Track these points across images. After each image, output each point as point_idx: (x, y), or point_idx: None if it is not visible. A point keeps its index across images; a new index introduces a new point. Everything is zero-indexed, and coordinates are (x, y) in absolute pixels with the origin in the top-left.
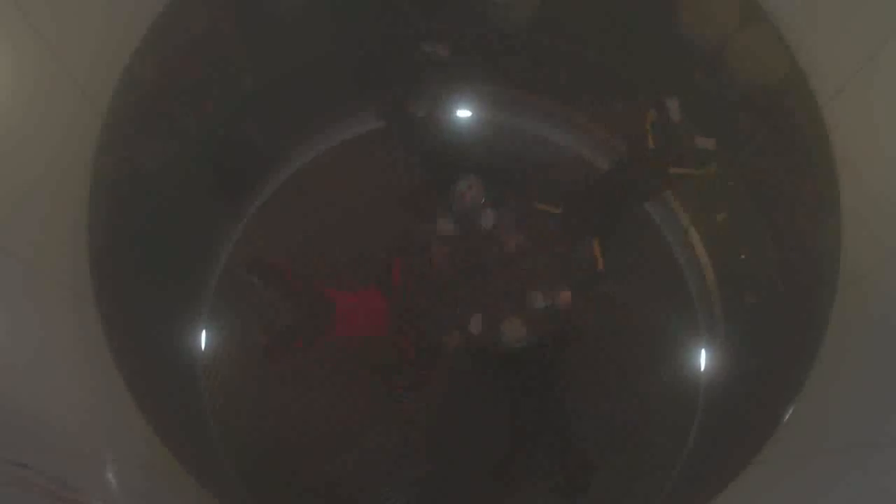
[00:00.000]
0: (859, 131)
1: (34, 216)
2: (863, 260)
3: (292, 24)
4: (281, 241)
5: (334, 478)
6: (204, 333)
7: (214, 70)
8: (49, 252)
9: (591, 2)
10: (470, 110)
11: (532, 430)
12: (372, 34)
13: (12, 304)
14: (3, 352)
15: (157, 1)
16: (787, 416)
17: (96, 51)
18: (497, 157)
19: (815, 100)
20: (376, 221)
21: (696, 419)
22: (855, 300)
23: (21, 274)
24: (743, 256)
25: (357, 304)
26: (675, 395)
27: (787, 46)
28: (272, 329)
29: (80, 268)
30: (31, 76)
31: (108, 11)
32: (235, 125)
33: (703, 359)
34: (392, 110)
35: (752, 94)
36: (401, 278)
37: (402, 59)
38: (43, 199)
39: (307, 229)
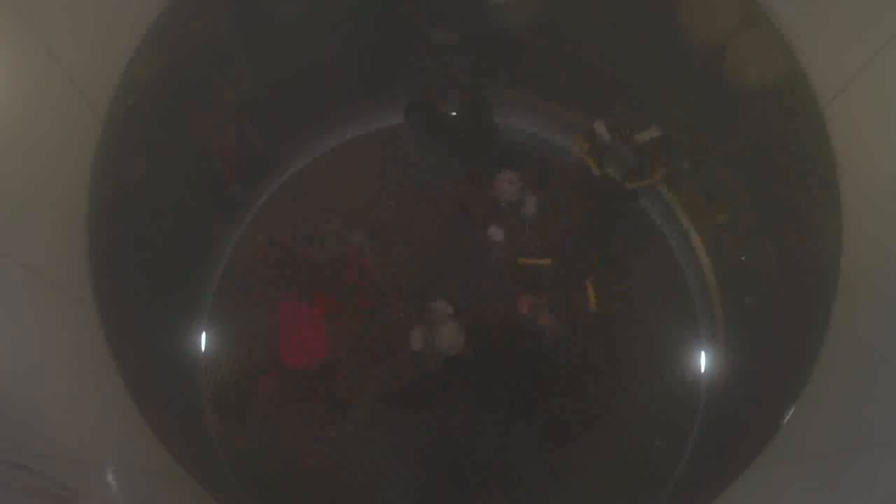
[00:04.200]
0: (860, 132)
1: (34, 220)
2: (863, 261)
3: (292, 26)
4: (280, 242)
5: (335, 480)
6: (204, 336)
7: (214, 72)
8: (49, 256)
9: (591, 3)
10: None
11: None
12: (372, 38)
13: (13, 309)
14: (4, 355)
15: (156, 2)
16: (787, 418)
17: (95, 53)
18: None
19: (815, 100)
20: (376, 224)
21: (696, 421)
22: (855, 301)
23: (22, 278)
24: (743, 258)
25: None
26: (676, 397)
27: (787, 47)
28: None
29: (81, 271)
30: (30, 79)
31: (107, 13)
32: (235, 127)
33: (703, 360)
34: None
35: (752, 94)
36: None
37: (402, 61)
38: (43, 203)
39: (307, 231)
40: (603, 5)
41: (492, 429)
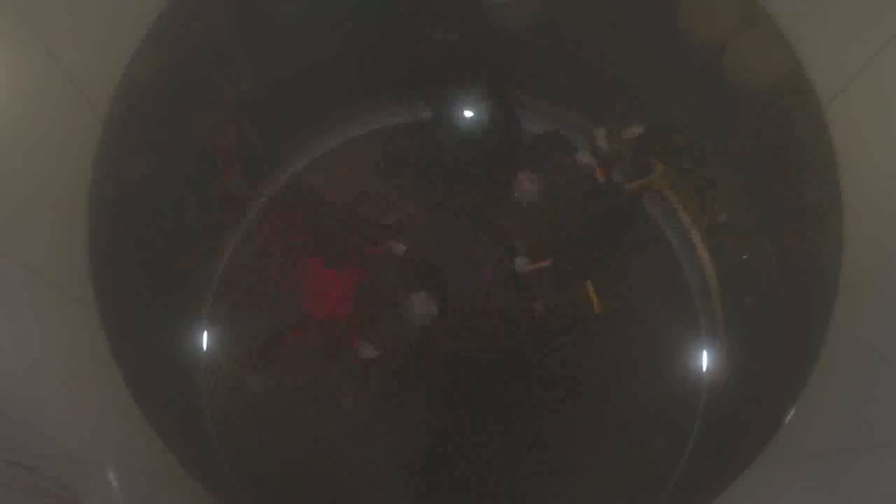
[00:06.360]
0: (861, 131)
1: (34, 220)
2: (864, 260)
3: (292, 26)
4: (281, 241)
5: (336, 479)
6: (205, 335)
7: (214, 72)
8: (49, 256)
9: (591, 3)
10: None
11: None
12: (372, 38)
13: (13, 309)
14: (4, 355)
15: (156, 2)
16: (787, 418)
17: (95, 53)
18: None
19: (816, 100)
20: (375, 225)
21: (696, 421)
22: (856, 301)
23: (22, 278)
24: (744, 257)
25: (331, 282)
26: (676, 397)
27: (787, 47)
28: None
29: (81, 271)
30: (30, 79)
31: (107, 13)
32: (235, 127)
33: (704, 360)
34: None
35: (753, 93)
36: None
37: (402, 62)
38: (43, 203)
39: (308, 231)
40: (603, 5)
41: (492, 428)
